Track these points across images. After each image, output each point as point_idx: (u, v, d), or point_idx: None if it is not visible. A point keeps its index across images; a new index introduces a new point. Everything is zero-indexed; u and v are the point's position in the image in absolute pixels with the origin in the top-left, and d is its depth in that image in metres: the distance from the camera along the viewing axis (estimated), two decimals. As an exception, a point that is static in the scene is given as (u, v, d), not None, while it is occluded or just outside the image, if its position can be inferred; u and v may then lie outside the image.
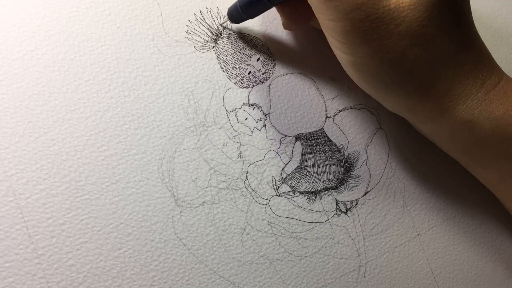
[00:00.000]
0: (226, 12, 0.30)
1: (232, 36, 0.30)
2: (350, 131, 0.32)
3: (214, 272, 0.28)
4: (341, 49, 0.26)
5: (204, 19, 0.30)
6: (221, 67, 0.30)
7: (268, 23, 0.31)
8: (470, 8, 0.26)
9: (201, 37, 0.29)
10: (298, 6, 0.27)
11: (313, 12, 0.26)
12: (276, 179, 0.30)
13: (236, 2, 0.28)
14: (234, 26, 0.30)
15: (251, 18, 0.29)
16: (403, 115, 0.29)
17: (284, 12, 0.28)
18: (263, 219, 0.29)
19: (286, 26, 0.29)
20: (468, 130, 0.27)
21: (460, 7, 0.25)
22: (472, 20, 0.26)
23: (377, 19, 0.23)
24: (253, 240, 0.29)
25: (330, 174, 0.31)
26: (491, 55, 0.27)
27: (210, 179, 0.28)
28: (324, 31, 0.26)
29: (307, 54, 0.32)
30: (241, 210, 0.29)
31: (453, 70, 0.25)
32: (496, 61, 0.27)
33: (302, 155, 0.30)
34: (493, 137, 0.26)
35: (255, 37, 0.31)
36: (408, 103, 0.27)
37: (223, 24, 0.30)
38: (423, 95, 0.26)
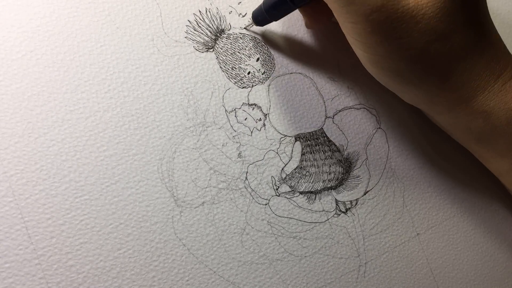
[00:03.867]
0: (251, 15, 0.30)
1: (231, 36, 0.30)
2: (349, 131, 0.32)
3: (214, 272, 0.28)
4: (361, 48, 0.26)
5: (204, 19, 0.30)
6: (220, 67, 0.30)
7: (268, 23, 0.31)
8: (486, 2, 0.26)
9: (200, 37, 0.29)
10: (320, 6, 0.28)
11: None
12: (276, 179, 0.30)
13: (260, 5, 0.29)
14: (258, 29, 0.30)
15: (275, 20, 0.29)
16: (420, 107, 0.30)
17: (306, 13, 0.29)
18: (263, 219, 0.29)
19: (308, 26, 0.30)
20: (483, 120, 0.27)
21: (476, 0, 0.25)
22: (488, 13, 0.26)
23: (397, 19, 0.24)
24: (253, 240, 0.29)
25: (329, 174, 0.31)
26: (506, 48, 0.27)
27: (209, 179, 0.28)
28: (344, 31, 0.27)
29: (306, 54, 0.32)
30: (241, 210, 0.29)
31: (471, 62, 0.26)
32: None
33: (301, 155, 0.31)
34: (507, 127, 0.27)
35: (255, 37, 0.31)
36: (427, 95, 0.28)
37: (247, 27, 0.30)
38: (442, 88, 0.26)
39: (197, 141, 0.28)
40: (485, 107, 0.27)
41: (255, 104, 0.30)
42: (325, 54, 0.32)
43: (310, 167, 0.31)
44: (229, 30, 0.30)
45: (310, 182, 0.30)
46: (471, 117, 0.28)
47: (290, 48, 0.32)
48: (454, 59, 0.25)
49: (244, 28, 0.30)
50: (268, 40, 0.31)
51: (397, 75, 0.27)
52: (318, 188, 0.31)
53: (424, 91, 0.27)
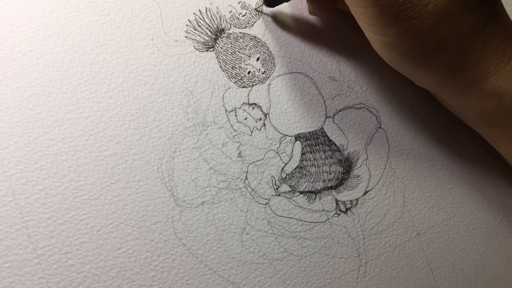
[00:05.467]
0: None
1: (231, 35, 0.30)
2: (350, 130, 0.32)
3: (214, 272, 0.28)
4: (371, 30, 0.26)
5: (204, 18, 0.30)
6: (220, 66, 0.30)
7: (268, 22, 0.31)
8: None
9: (200, 36, 0.29)
10: None
11: None
12: (276, 178, 0.30)
13: None
14: (269, 10, 0.30)
15: (287, 1, 0.29)
16: (431, 90, 0.30)
17: None
18: (262, 219, 0.29)
19: (312, 12, 0.30)
20: (496, 103, 0.27)
21: None
22: None
23: (406, 1, 0.24)
24: (253, 240, 0.29)
25: (330, 173, 0.31)
26: None
27: (209, 179, 0.28)
28: (354, 16, 0.27)
29: (307, 54, 0.32)
30: (241, 210, 0.29)
31: (482, 44, 0.26)
32: None
33: (302, 154, 0.30)
34: None
35: (255, 36, 0.31)
36: (437, 78, 0.28)
37: (258, 9, 0.30)
38: (452, 69, 0.27)
39: (197, 141, 0.28)
40: (497, 89, 0.27)
41: (255, 104, 0.30)
42: (325, 53, 0.32)
43: (310, 166, 0.31)
44: (229, 29, 0.30)
45: (310, 181, 0.30)
46: (483, 99, 0.28)
47: (291, 47, 0.31)
48: (464, 40, 0.25)
49: (255, 9, 0.30)
50: (268, 39, 0.31)
51: (407, 57, 0.27)
52: (318, 188, 0.30)
53: (435, 73, 0.27)
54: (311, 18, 0.32)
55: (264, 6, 0.30)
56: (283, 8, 0.31)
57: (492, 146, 0.32)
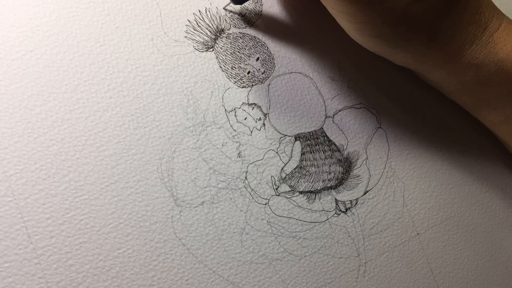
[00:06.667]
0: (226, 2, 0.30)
1: (231, 35, 0.30)
2: (349, 130, 0.32)
3: (214, 272, 0.28)
4: (346, 18, 0.26)
5: (203, 18, 0.30)
6: (220, 66, 0.30)
7: (268, 22, 0.31)
8: None
9: (200, 36, 0.29)
10: None
11: None
12: (276, 178, 0.30)
13: None
14: (238, 8, 0.30)
15: None
16: (410, 67, 0.30)
17: None
18: (262, 219, 0.29)
19: (283, 2, 0.30)
20: (475, 73, 0.28)
21: None
22: None
23: None
24: (253, 240, 0.29)
25: (329, 173, 0.31)
26: (490, 0, 0.28)
27: (209, 179, 0.28)
28: (326, 5, 0.27)
29: (306, 54, 0.32)
30: (241, 210, 0.29)
31: (455, 17, 0.26)
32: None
33: (301, 154, 0.30)
34: (498, 79, 0.28)
35: (255, 36, 0.31)
36: (415, 56, 0.28)
37: (226, 7, 0.30)
38: (429, 46, 0.27)
39: (197, 141, 0.28)
40: (475, 60, 0.27)
41: (255, 104, 0.30)
42: (325, 53, 0.32)
43: (310, 166, 0.31)
44: (228, 29, 0.30)
45: (310, 181, 0.30)
46: (462, 71, 0.28)
47: (290, 47, 0.31)
48: (436, 17, 0.26)
49: (223, 8, 0.30)
50: (268, 39, 0.31)
51: (383, 40, 0.27)
52: (318, 188, 0.30)
53: (412, 52, 0.28)
54: (311, 18, 0.32)
55: (231, 4, 0.30)
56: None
57: (473, 115, 0.33)
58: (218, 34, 0.30)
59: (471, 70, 0.28)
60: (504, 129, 0.32)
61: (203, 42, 0.29)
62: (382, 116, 0.33)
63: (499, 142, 0.34)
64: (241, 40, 0.30)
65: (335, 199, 0.31)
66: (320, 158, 0.31)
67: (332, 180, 0.31)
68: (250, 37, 0.31)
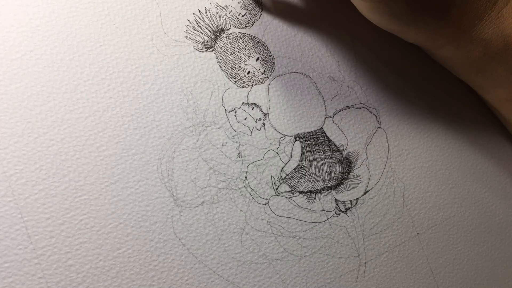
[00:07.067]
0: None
1: (231, 35, 0.30)
2: (349, 130, 0.32)
3: (214, 272, 0.28)
4: None
5: (203, 18, 0.30)
6: (220, 66, 0.30)
7: (268, 22, 0.31)
8: None
9: (200, 36, 0.29)
10: None
11: None
12: (276, 178, 0.30)
13: None
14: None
15: None
16: (421, 44, 0.31)
17: None
18: (262, 219, 0.29)
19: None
20: (482, 49, 0.28)
21: None
22: None
23: None
24: (253, 239, 0.29)
25: (329, 173, 0.31)
26: None
27: (209, 179, 0.28)
28: None
29: (306, 54, 0.32)
30: (241, 210, 0.29)
31: None
32: None
33: (301, 154, 0.30)
34: (505, 54, 0.28)
35: (255, 36, 0.31)
36: (427, 32, 0.28)
37: None
38: (441, 23, 0.27)
39: (197, 141, 0.28)
40: (484, 35, 0.28)
41: (254, 104, 0.30)
42: (325, 53, 0.32)
43: (310, 166, 0.31)
44: (228, 29, 0.30)
45: (309, 181, 0.30)
46: (470, 46, 0.28)
47: (290, 47, 0.31)
48: None
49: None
50: (268, 39, 0.31)
51: (397, 18, 0.28)
52: (318, 188, 0.30)
53: (424, 29, 0.28)
54: (311, 18, 0.32)
55: None
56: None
57: (478, 93, 0.33)
58: (218, 34, 0.30)
59: (480, 46, 0.28)
60: (509, 107, 0.32)
61: (203, 42, 0.29)
62: (382, 116, 0.33)
63: (499, 142, 0.35)
64: (241, 40, 0.30)
65: (335, 199, 0.31)
66: (320, 158, 0.31)
67: (332, 180, 0.31)
68: (250, 37, 0.31)
